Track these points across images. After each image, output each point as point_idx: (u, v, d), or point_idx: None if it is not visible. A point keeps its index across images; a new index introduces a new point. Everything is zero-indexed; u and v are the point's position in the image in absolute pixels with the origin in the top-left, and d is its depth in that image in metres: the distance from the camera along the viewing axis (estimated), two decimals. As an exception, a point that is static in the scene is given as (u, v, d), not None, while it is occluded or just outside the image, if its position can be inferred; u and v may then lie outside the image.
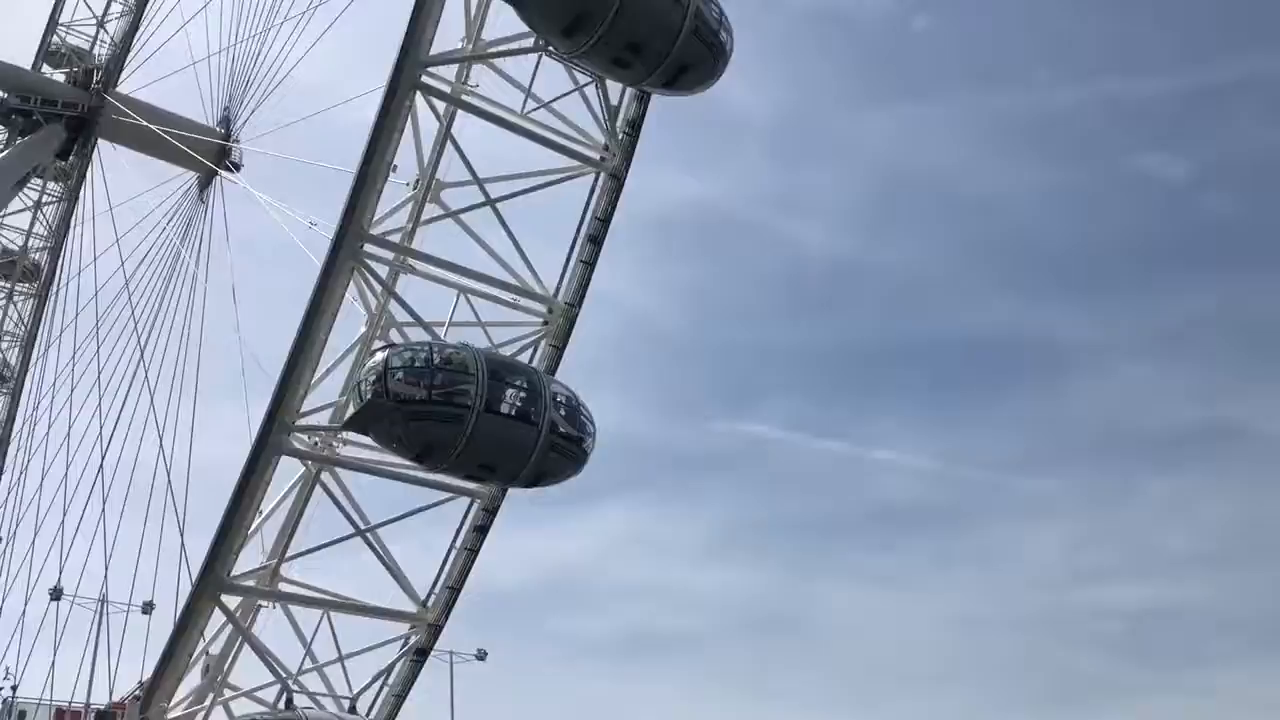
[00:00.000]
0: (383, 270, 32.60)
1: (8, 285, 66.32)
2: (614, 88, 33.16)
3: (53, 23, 61.41)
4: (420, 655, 34.96)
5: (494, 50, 32.57)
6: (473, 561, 35.12)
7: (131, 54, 56.44)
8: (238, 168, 48.15)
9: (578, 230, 34.27)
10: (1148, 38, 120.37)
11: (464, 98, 32.68)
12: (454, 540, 35.16)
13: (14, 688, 35.41)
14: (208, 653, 34.00)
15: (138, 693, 34.37)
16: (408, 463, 31.58)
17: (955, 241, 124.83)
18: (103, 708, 35.38)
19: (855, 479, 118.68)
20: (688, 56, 30.45)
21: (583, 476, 32.13)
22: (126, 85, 53.80)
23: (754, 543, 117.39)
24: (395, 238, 32.92)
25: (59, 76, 55.94)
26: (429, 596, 34.93)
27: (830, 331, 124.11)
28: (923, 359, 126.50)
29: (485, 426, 28.55)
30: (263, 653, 32.98)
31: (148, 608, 41.18)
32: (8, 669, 37.32)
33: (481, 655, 40.44)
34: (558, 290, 34.24)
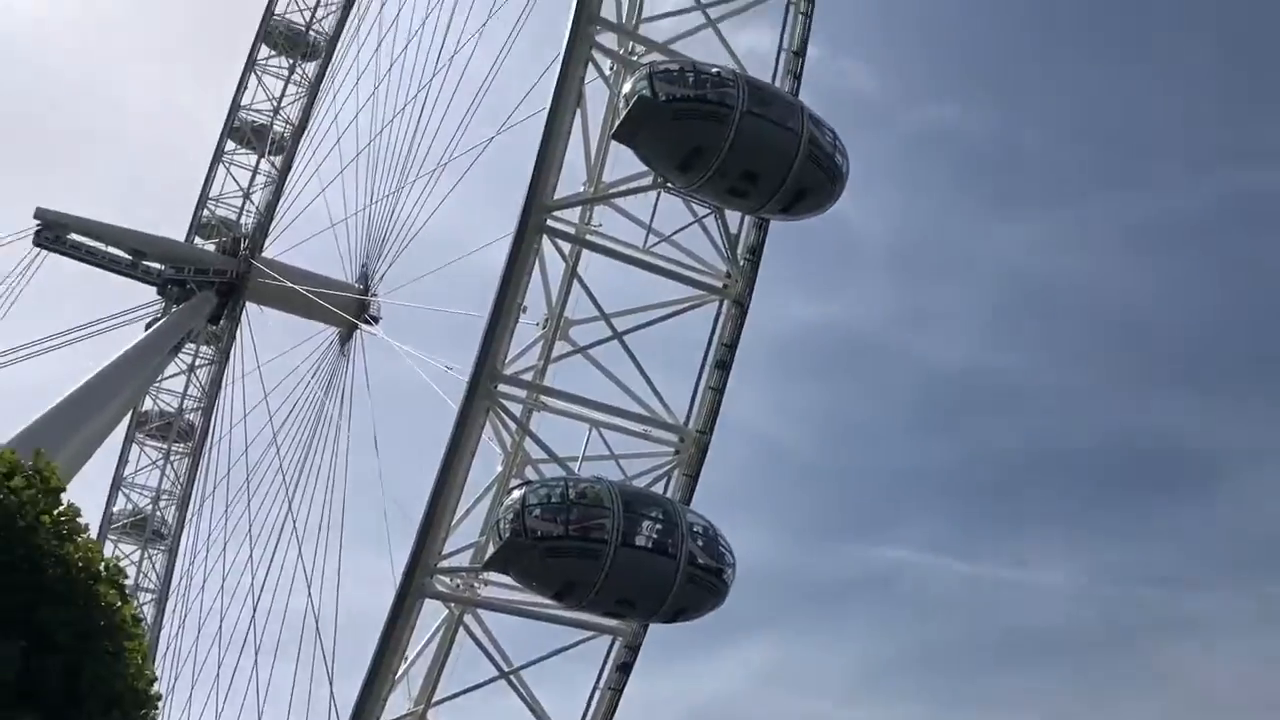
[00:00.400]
0: (516, 408, 33.22)
1: (165, 446, 69.82)
2: (733, 216, 33.75)
3: (203, 198, 66.15)
4: None
5: (614, 191, 33.59)
6: (618, 701, 34.51)
7: (275, 220, 60.10)
8: (376, 320, 50.18)
9: (704, 358, 34.46)
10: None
11: (588, 237, 33.64)
12: (598, 680, 34.70)
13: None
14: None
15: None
16: (549, 602, 31.59)
17: (1093, 349, 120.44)
18: None
19: (1003, 602, 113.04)
20: (804, 181, 30.86)
21: (724, 608, 31.61)
22: (271, 250, 57.00)
23: (901, 673, 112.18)
24: (527, 376, 33.59)
25: (209, 246, 59.75)
26: (575, 739, 34.44)
27: (967, 448, 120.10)
28: (1068, 472, 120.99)
29: (623, 560, 28.43)
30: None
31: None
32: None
33: (629, 801, 39.20)
34: (688, 418, 34.28)
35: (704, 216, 33.63)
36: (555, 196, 32.66)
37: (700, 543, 29.93)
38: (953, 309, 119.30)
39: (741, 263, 34.11)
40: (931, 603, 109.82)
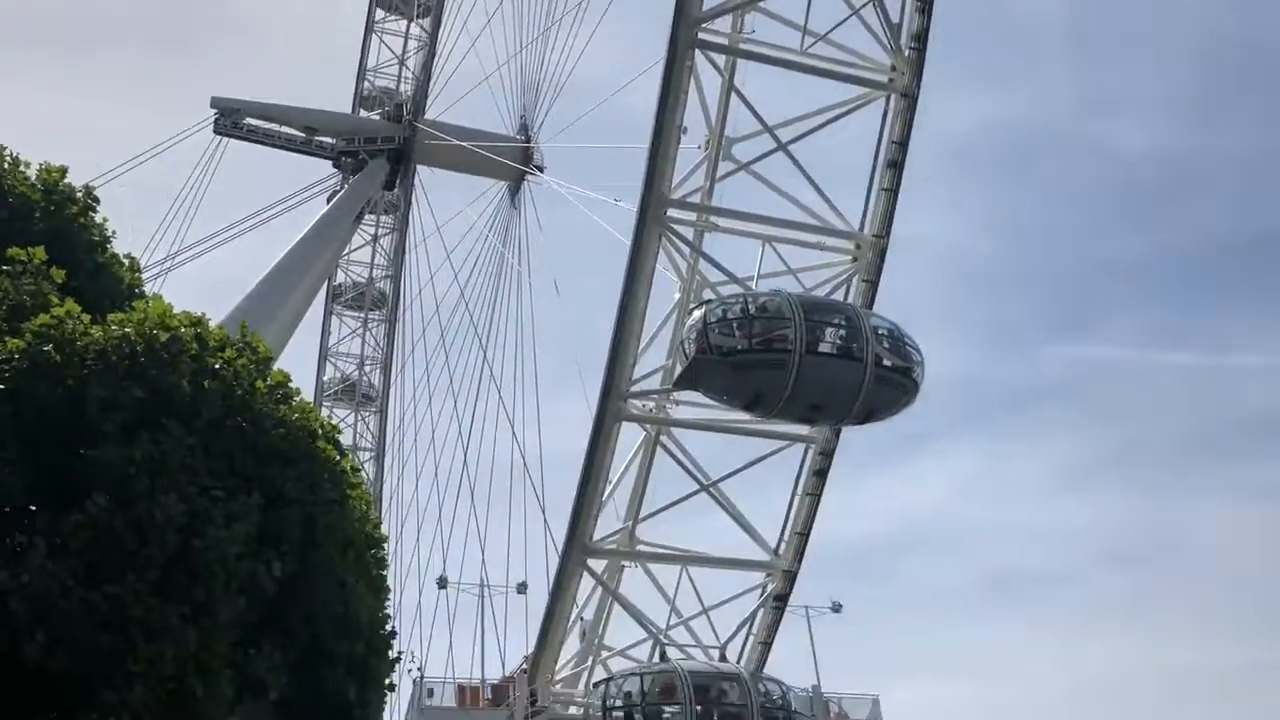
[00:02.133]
0: (688, 232, 33.17)
1: (361, 315, 73.31)
2: (893, 2, 32.00)
3: (361, 70, 66.98)
4: (779, 601, 35.53)
5: (764, -9, 32.23)
6: (816, 506, 35.19)
7: (432, 81, 60.60)
8: (541, 170, 50.49)
9: (875, 158, 33.36)
10: None
11: (742, 46, 32.61)
12: (795, 487, 35.41)
13: (420, 669, 38.83)
14: (582, 618, 36.12)
15: (524, 666, 36.88)
16: (741, 415, 32.09)
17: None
18: (496, 682, 38.18)
19: (1216, 390, 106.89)
20: None
21: (918, 420, 31.48)
22: (432, 111, 57.68)
23: (1110, 470, 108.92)
24: (695, 199, 33.34)
25: (374, 116, 60.99)
26: (779, 545, 35.46)
27: (1169, 235, 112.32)
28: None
29: (810, 368, 28.46)
30: (632, 610, 34.63)
31: (522, 588, 44.02)
32: (414, 653, 40.83)
33: (837, 608, 40.25)
34: (862, 224, 33.53)
35: (861, 7, 31.96)
36: (705, 7, 31.57)
37: (886, 344, 29.58)
38: (1143, 87, 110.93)
39: (906, 52, 32.47)
40: (1140, 397, 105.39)
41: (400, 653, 18.60)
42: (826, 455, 34.64)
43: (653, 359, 33.80)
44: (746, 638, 35.88)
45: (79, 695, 11.33)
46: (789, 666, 36.51)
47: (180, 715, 11.91)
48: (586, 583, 35.39)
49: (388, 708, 23.25)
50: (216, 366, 14.61)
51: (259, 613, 13.73)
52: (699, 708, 31.11)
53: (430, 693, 36.17)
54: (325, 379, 74.64)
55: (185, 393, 13.90)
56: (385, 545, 18.70)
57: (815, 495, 34.96)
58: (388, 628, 16.75)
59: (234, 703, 12.50)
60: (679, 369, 29.98)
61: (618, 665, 35.19)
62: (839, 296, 32.99)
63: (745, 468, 34.39)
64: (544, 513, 39.60)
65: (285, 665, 13.72)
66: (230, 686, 12.50)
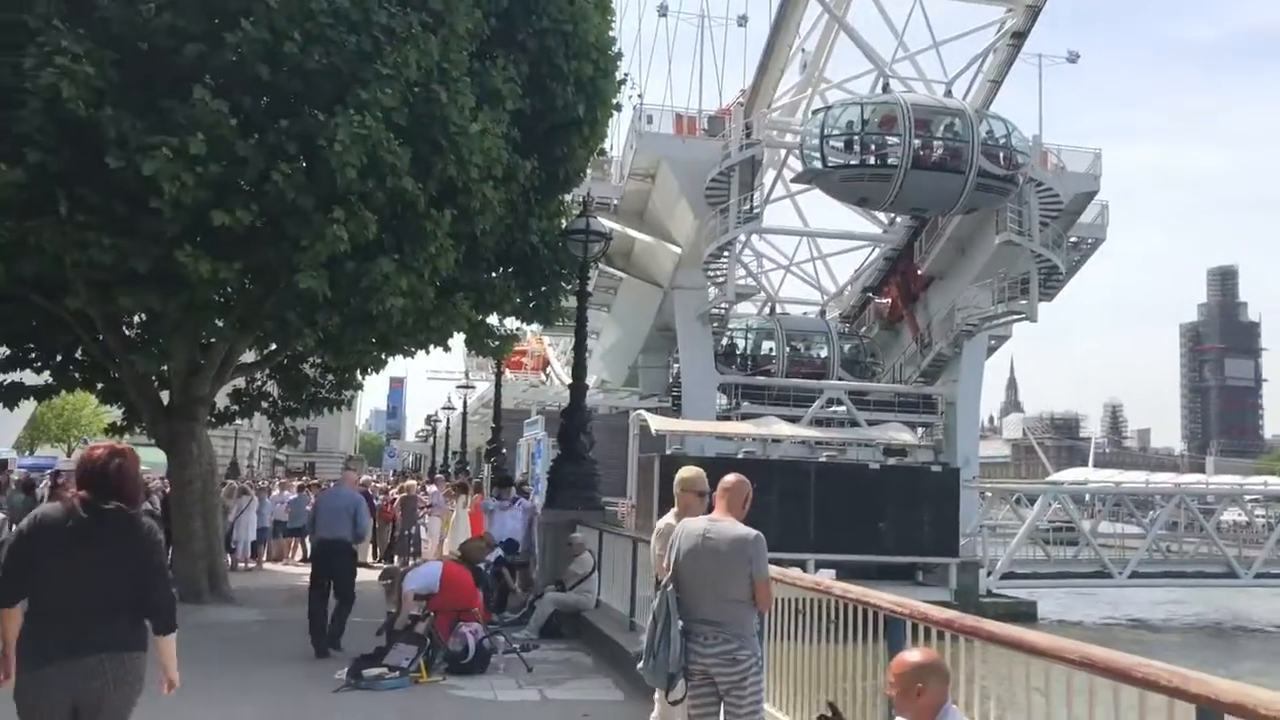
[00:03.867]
0: None
1: None
2: None
3: None
4: (1017, 39, 33.32)
5: None
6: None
7: None
8: None
9: None
10: None
11: None
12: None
13: (640, 95, 39.15)
14: (804, 50, 35.15)
15: (740, 100, 36.70)
16: None
17: None
18: (713, 114, 38.30)
19: None
20: None
21: None
22: None
23: None
24: None
25: None
26: (1027, -24, 32.68)
27: None
28: None
29: None
30: (858, 41, 33.28)
31: (742, 20, 42.64)
32: (633, 80, 40.93)
33: (1073, 58, 37.47)
34: None
35: None
36: None
37: None
38: None
39: None
40: None
41: (626, 74, 18.67)
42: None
43: None
44: (975, 76, 34.39)
45: (335, 92, 11.95)
46: (1014, 112, 35.29)
47: (426, 117, 12.52)
48: (812, 11, 33.89)
49: (611, 131, 23.93)
50: None
51: (493, 27, 13.95)
52: (918, 140, 30.76)
53: (649, 119, 36.73)
54: None
55: None
56: (610, -37, 18.13)
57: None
58: (614, 49, 16.77)
59: (475, 110, 13.00)
60: None
61: (836, 98, 34.73)
62: None
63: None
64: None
65: (519, 79, 14.11)
66: (471, 94, 12.95)
